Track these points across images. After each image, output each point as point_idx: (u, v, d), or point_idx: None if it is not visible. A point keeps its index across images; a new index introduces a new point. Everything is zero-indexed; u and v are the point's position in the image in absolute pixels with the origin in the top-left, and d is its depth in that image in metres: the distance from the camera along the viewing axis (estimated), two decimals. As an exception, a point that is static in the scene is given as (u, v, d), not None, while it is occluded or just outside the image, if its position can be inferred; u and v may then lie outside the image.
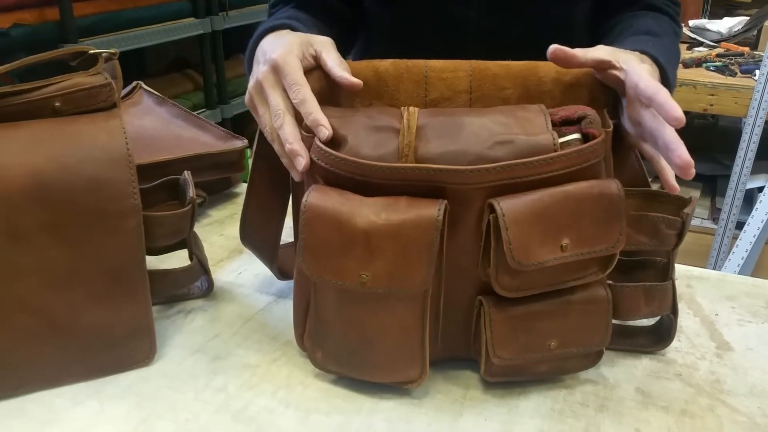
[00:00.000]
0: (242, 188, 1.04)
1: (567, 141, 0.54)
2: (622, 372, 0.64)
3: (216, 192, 0.99)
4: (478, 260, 0.55)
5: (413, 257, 0.52)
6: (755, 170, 1.92)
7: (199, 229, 0.78)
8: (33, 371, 0.60)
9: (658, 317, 0.67)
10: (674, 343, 0.67)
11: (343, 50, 0.65)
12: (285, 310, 0.72)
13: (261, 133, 0.65)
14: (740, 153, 1.81)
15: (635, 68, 0.56)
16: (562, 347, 0.58)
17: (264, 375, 0.63)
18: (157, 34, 2.42)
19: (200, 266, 0.72)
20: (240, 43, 3.40)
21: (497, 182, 0.53)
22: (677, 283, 0.75)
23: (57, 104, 0.60)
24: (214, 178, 0.94)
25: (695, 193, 2.09)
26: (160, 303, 0.72)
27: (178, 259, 0.73)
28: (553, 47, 0.58)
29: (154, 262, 0.68)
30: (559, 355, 0.58)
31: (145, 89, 1.03)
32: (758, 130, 1.77)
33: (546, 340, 0.57)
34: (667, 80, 0.64)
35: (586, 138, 0.55)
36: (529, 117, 0.56)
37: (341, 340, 0.58)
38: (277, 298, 0.75)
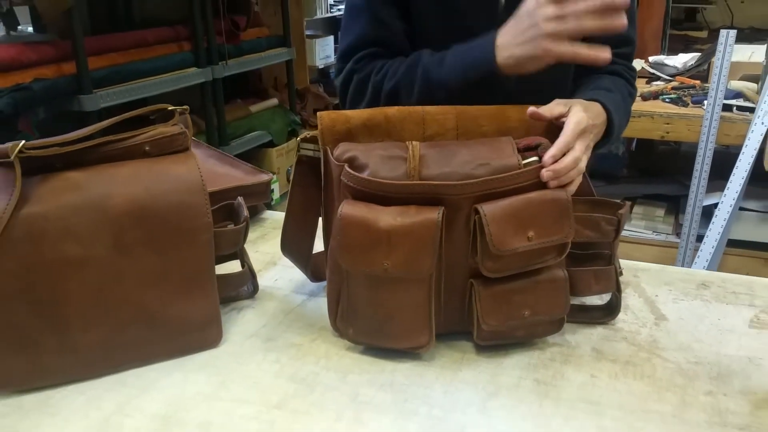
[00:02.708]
0: (268, 214, 1.24)
1: (528, 162, 0.75)
2: (582, 337, 0.83)
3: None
4: (469, 251, 0.75)
5: (421, 249, 0.72)
6: (712, 189, 2.15)
7: (243, 244, 0.97)
8: (131, 351, 0.79)
9: (609, 298, 0.87)
10: (622, 316, 0.87)
11: None
12: (317, 305, 0.91)
13: (297, 165, 0.85)
14: (695, 174, 2.04)
15: (575, 110, 0.77)
16: (534, 315, 0.77)
17: (307, 350, 0.82)
18: (164, 84, 2.62)
19: (249, 272, 0.91)
20: (237, 90, 3.65)
21: (480, 192, 0.73)
22: (626, 273, 0.96)
23: (147, 148, 0.80)
24: (247, 205, 1.13)
25: (660, 212, 2.31)
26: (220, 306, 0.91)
27: (231, 268, 0.92)
28: (530, 110, 0.78)
29: (216, 270, 0.87)
30: (532, 322, 0.78)
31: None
32: (710, 153, 2.00)
33: (521, 310, 0.77)
34: (611, 122, 0.85)
35: (541, 160, 0.76)
36: (501, 146, 0.77)
37: (369, 317, 0.77)
38: (309, 296, 0.94)
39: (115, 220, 0.76)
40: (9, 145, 0.73)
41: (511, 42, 0.83)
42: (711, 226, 2.01)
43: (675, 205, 2.34)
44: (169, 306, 0.79)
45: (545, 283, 0.77)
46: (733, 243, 2.08)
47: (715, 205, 2.03)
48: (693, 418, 0.69)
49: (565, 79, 1.04)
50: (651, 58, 2.75)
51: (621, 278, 0.95)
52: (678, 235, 2.16)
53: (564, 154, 0.75)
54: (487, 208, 0.72)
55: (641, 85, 2.43)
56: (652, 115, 2.06)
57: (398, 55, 0.98)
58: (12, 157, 0.72)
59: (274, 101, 3.35)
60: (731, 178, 1.94)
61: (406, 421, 0.69)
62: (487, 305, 0.76)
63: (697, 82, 2.31)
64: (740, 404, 0.71)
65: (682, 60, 2.63)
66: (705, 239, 2.03)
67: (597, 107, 0.84)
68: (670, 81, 2.44)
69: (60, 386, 0.76)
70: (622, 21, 0.77)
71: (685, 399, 0.72)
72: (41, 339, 0.75)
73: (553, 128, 0.82)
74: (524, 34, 0.82)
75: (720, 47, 1.97)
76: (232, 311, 0.91)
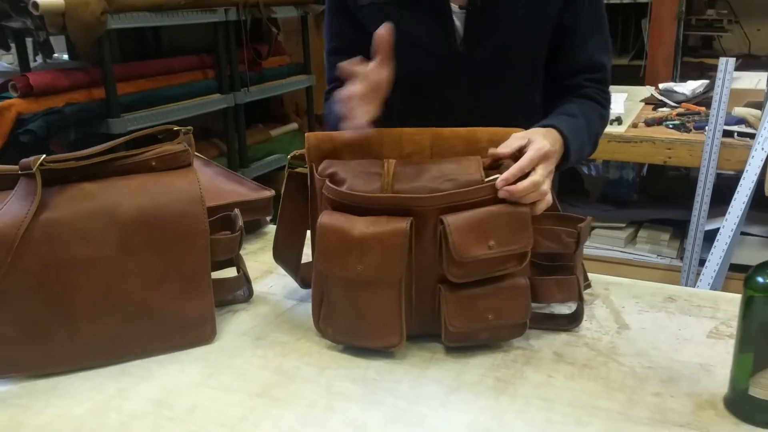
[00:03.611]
0: (270, 228, 1.33)
1: (491, 179, 0.83)
2: (545, 342, 0.90)
3: (250, 231, 1.28)
4: (436, 258, 0.83)
5: (391, 255, 0.80)
6: (716, 214, 2.18)
7: (241, 253, 1.06)
8: (133, 344, 0.87)
9: (575, 308, 0.93)
10: (586, 324, 0.93)
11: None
12: (305, 309, 0.99)
13: (287, 180, 0.93)
14: (697, 198, 2.08)
15: (536, 139, 0.85)
16: (497, 319, 0.84)
17: (292, 348, 0.90)
18: (188, 109, 2.75)
19: (244, 277, 1.00)
20: (259, 115, 3.78)
21: (445, 205, 0.81)
22: (598, 287, 1.02)
23: (153, 163, 0.89)
24: (249, 219, 1.23)
25: (665, 236, 2.35)
26: (215, 306, 0.99)
27: (229, 274, 1.00)
28: (490, 151, 0.85)
29: (213, 275, 0.95)
30: (496, 325, 0.85)
31: (196, 154, 1.33)
32: (711, 178, 2.04)
33: (485, 313, 0.84)
34: (568, 145, 0.92)
35: (504, 177, 0.83)
36: (468, 163, 0.85)
37: (346, 318, 0.85)
38: (299, 302, 1.02)
39: (123, 225, 0.85)
40: (32, 158, 0.83)
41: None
42: (713, 250, 2.05)
43: (681, 230, 2.37)
44: (168, 304, 0.88)
45: (508, 290, 0.84)
46: (735, 267, 2.10)
47: (718, 229, 2.07)
48: (637, 415, 0.75)
49: (522, 99, 1.11)
50: (661, 85, 2.80)
51: (591, 291, 1.02)
52: (682, 259, 2.19)
53: (521, 178, 0.82)
54: (451, 219, 0.80)
55: (647, 112, 2.49)
56: (653, 140, 2.11)
57: None
58: (34, 169, 0.82)
59: (294, 126, 3.46)
60: (732, 203, 1.98)
61: (372, 410, 0.76)
62: (454, 309, 0.83)
63: (703, 108, 2.36)
64: (684, 405, 0.76)
65: (690, 87, 2.67)
66: (707, 263, 2.06)
67: (554, 134, 0.91)
68: (676, 107, 2.49)
69: (69, 373, 0.85)
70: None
71: (633, 398, 0.78)
72: (53, 330, 0.84)
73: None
74: None
75: (720, 74, 2.03)
76: (227, 312, 0.99)
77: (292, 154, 0.93)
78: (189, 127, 0.94)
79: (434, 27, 1.06)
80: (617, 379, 0.81)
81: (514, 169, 0.81)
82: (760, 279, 0.70)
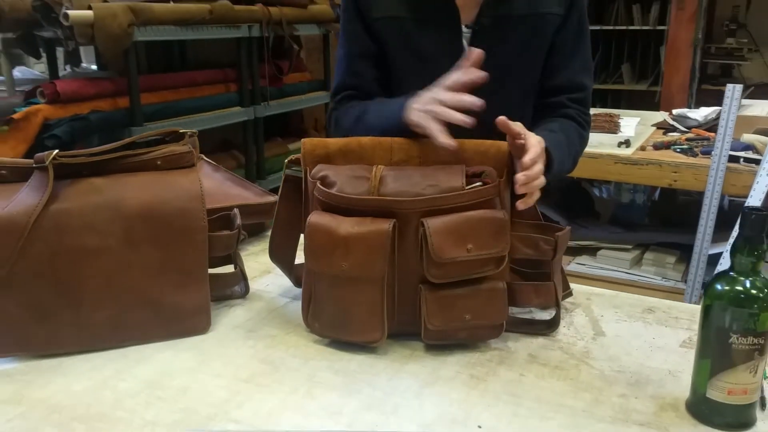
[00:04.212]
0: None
1: (473, 186, 0.87)
2: (521, 345, 0.94)
3: (253, 234, 1.34)
4: (418, 259, 0.87)
5: (374, 253, 0.85)
6: (721, 239, 2.20)
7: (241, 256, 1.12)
8: (133, 330, 0.93)
9: (554, 314, 0.97)
10: (564, 330, 0.97)
11: None
12: (297, 306, 1.03)
13: (283, 183, 0.99)
14: (701, 222, 2.10)
15: (531, 139, 0.90)
16: (475, 320, 0.88)
17: (281, 340, 0.95)
18: (210, 120, 2.84)
19: (241, 274, 1.05)
20: (278, 129, 3.86)
21: (427, 208, 0.86)
22: (580, 296, 1.06)
23: (159, 162, 0.96)
24: (253, 222, 1.29)
25: (671, 259, 2.36)
26: (213, 300, 1.05)
27: (228, 271, 1.06)
28: (501, 117, 0.91)
29: (212, 270, 1.01)
30: (473, 326, 0.89)
31: (206, 160, 1.39)
32: (715, 202, 2.06)
33: (463, 313, 0.88)
34: (550, 157, 0.97)
35: (485, 185, 0.88)
36: (452, 171, 0.90)
37: (330, 313, 0.90)
38: (292, 299, 1.07)
39: (127, 218, 0.91)
40: (45, 153, 0.90)
41: (412, 107, 0.98)
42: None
43: (688, 254, 2.38)
44: (167, 294, 0.94)
45: (486, 292, 0.89)
46: (739, 292, 2.11)
47: (721, 253, 2.08)
48: (600, 413, 0.78)
49: (519, 112, 1.15)
50: (675, 111, 2.83)
51: (573, 299, 1.06)
52: (686, 281, 2.21)
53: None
54: (431, 222, 0.85)
55: (657, 136, 2.52)
56: (660, 163, 2.14)
57: (369, 98, 1.16)
58: (47, 162, 0.89)
59: (313, 140, 3.55)
60: (735, 227, 2.00)
61: (349, 398, 0.81)
62: (433, 308, 0.88)
63: (713, 134, 2.38)
64: (647, 406, 0.80)
65: (703, 113, 2.70)
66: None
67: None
68: (686, 133, 2.52)
69: (71, 354, 0.91)
70: (468, 121, 0.91)
71: (598, 398, 0.81)
72: (59, 313, 0.90)
73: (501, 161, 0.93)
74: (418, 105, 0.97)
75: (726, 100, 2.05)
76: (224, 307, 1.05)
77: (289, 158, 0.98)
78: (194, 130, 1.01)
79: (444, 43, 1.13)
80: (586, 380, 0.85)
81: (532, 153, 0.87)
82: (718, 287, 0.74)
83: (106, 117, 2.47)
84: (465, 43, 1.13)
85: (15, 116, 2.23)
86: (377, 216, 0.86)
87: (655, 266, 2.35)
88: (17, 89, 2.67)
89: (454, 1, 1.11)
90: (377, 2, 1.14)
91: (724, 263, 2.06)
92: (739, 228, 0.74)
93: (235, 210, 1.03)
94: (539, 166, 0.89)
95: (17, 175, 0.92)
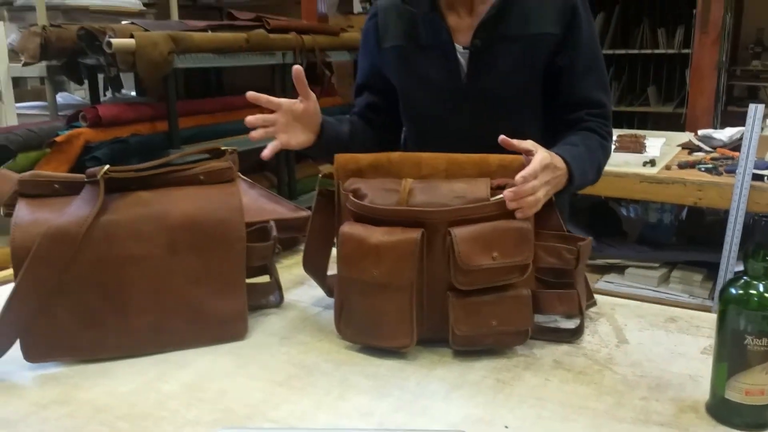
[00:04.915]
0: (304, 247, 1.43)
1: (496, 198, 0.92)
2: (546, 351, 0.97)
3: (287, 247, 1.39)
4: (445, 267, 0.91)
5: (404, 261, 0.89)
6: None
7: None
8: (174, 336, 0.98)
9: (578, 323, 1.00)
10: (588, 338, 1.00)
11: (388, 144, 1.19)
12: (329, 315, 1.08)
13: (317, 196, 1.04)
14: (727, 239, 2.11)
15: (540, 150, 0.95)
16: (501, 326, 0.92)
17: (314, 347, 0.99)
18: (243, 143, 2.90)
19: (276, 283, 1.10)
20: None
21: (454, 218, 0.90)
22: (605, 307, 1.09)
23: (201, 177, 1.02)
24: (287, 236, 1.34)
25: (698, 277, 2.36)
26: (249, 309, 1.09)
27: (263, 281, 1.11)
28: (501, 137, 0.96)
29: (249, 280, 1.06)
30: (499, 331, 0.93)
31: (242, 178, 1.46)
32: (740, 220, 2.07)
33: (490, 320, 0.92)
34: (571, 172, 1.01)
35: (510, 195, 0.92)
36: (477, 184, 0.94)
37: (362, 319, 0.94)
38: (324, 309, 1.12)
39: (171, 229, 0.97)
40: (97, 168, 0.96)
41: None
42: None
43: (715, 272, 2.38)
44: (206, 301, 0.99)
45: (511, 299, 0.92)
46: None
47: (749, 271, 2.08)
48: (622, 415, 0.81)
49: (519, 128, 1.19)
50: (700, 131, 2.84)
51: (597, 309, 1.09)
52: (712, 299, 2.20)
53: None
54: (458, 231, 0.89)
55: (683, 156, 2.53)
56: (684, 182, 2.16)
57: (357, 117, 1.33)
58: (98, 176, 0.95)
59: (342, 163, 3.64)
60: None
61: (380, 400, 0.85)
62: (460, 314, 0.92)
63: (737, 154, 2.39)
64: (667, 408, 0.82)
65: (728, 134, 2.71)
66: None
67: (558, 158, 1.00)
68: (711, 152, 2.53)
69: (115, 360, 0.96)
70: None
71: (620, 401, 0.84)
72: (106, 319, 0.96)
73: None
74: None
75: (749, 120, 2.07)
76: (260, 315, 1.09)
77: (322, 172, 1.04)
78: (234, 147, 1.07)
79: (442, 64, 1.21)
80: (609, 385, 0.88)
81: (528, 170, 0.91)
82: (732, 291, 0.77)
83: (144, 140, 2.56)
84: (463, 62, 1.20)
85: (58, 139, 2.33)
86: (407, 226, 0.91)
87: (683, 284, 2.35)
88: (59, 113, 2.79)
89: (446, 27, 1.20)
90: (387, 35, 1.27)
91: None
92: (751, 234, 0.76)
93: (271, 222, 1.09)
94: (533, 183, 0.92)
95: (69, 189, 0.99)
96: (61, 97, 3.29)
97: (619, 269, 2.47)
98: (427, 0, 1.20)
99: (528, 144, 0.97)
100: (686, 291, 2.33)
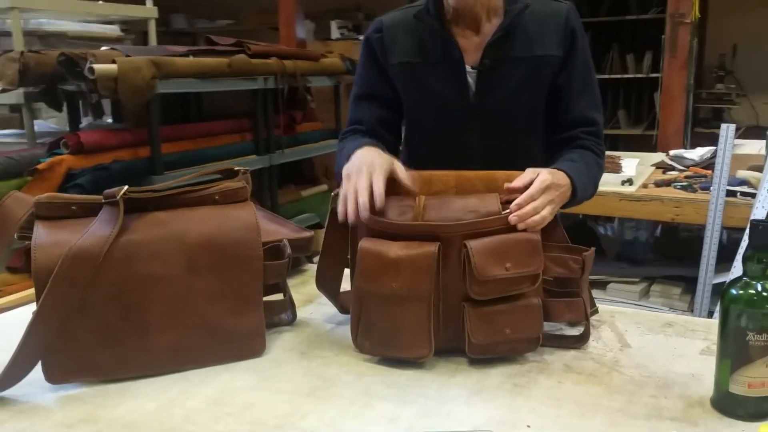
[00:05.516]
0: (308, 266, 1.46)
1: (507, 212, 0.96)
2: (556, 357, 1.01)
3: (291, 267, 1.41)
4: (461, 278, 0.96)
5: (422, 274, 0.93)
6: (724, 269, 2.28)
7: (285, 282, 1.20)
8: (193, 354, 1.00)
9: (583, 329, 1.05)
10: (593, 343, 1.05)
11: None
12: (344, 331, 1.11)
13: (332, 214, 1.08)
14: (704, 253, 2.20)
15: (542, 173, 1.00)
16: (514, 333, 0.96)
17: (333, 360, 1.02)
18: (225, 168, 2.92)
19: (289, 301, 1.13)
20: (291, 176, 3.93)
21: (468, 232, 0.94)
22: (605, 315, 1.14)
23: (216, 197, 1.05)
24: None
25: (677, 290, 2.45)
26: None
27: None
28: (506, 186, 1.01)
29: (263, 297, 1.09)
30: (512, 339, 0.97)
31: (242, 199, 1.48)
32: (716, 234, 2.16)
33: (504, 328, 0.96)
34: (575, 185, 1.07)
35: (518, 209, 0.97)
36: (488, 199, 0.99)
37: (380, 331, 0.98)
38: (337, 325, 1.15)
39: (190, 248, 0.99)
40: (116, 188, 0.98)
41: (345, 166, 1.09)
42: (719, 303, 2.14)
43: (693, 285, 2.47)
44: (225, 319, 1.01)
45: (522, 308, 0.97)
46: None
47: (724, 283, 2.16)
48: (635, 411, 0.86)
49: (524, 144, 1.29)
50: (672, 152, 2.95)
51: (598, 317, 1.14)
52: (692, 311, 2.28)
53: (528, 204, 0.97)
54: (473, 244, 0.94)
55: (657, 175, 2.63)
56: (662, 199, 2.25)
57: (369, 133, 1.29)
58: (118, 198, 0.97)
59: (323, 187, 3.65)
60: (736, 257, 2.09)
61: (404, 407, 0.88)
62: (476, 323, 0.96)
63: (709, 172, 2.50)
64: (676, 404, 0.87)
65: (699, 153, 2.82)
66: (715, 314, 2.15)
67: (561, 174, 1.06)
68: (684, 171, 2.63)
69: (135, 379, 0.97)
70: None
71: (632, 399, 0.89)
72: (127, 339, 0.97)
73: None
74: None
75: (722, 139, 2.17)
76: (274, 333, 1.12)
77: (335, 192, 1.07)
78: (247, 168, 1.10)
79: (451, 83, 1.26)
80: (618, 385, 0.92)
81: (524, 196, 0.97)
82: (733, 291, 0.83)
83: (127, 166, 2.54)
84: (471, 81, 1.25)
85: (39, 166, 2.32)
86: (423, 240, 0.95)
87: (663, 297, 2.43)
88: (37, 141, 2.77)
89: (458, 46, 1.24)
90: (394, 50, 1.29)
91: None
92: (748, 239, 0.83)
93: (285, 241, 1.12)
94: (533, 204, 0.97)
95: (86, 211, 1.00)
96: (36, 125, 3.27)
97: (601, 285, 2.54)
98: (437, 18, 1.24)
99: (527, 177, 1.02)
100: (666, 304, 2.41)
